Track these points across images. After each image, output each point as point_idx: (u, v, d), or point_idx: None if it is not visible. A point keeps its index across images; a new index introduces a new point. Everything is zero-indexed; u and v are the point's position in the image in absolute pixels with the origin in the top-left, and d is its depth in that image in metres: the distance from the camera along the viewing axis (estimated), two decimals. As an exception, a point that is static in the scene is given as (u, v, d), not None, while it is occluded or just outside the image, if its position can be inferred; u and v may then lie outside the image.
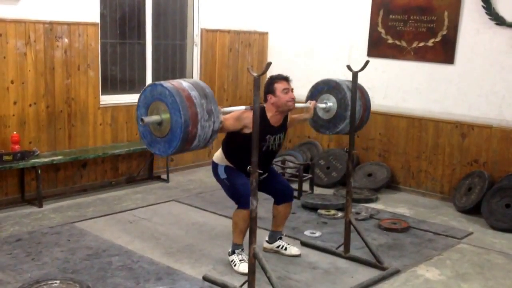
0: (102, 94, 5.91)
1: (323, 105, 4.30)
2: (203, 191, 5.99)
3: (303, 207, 5.50)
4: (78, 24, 5.55)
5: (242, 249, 4.05)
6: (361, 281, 3.89)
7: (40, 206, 5.25)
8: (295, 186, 5.62)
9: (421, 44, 6.07)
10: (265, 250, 4.35)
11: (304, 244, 4.55)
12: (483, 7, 5.59)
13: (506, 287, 3.95)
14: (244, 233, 3.95)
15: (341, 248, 4.33)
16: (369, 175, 6.31)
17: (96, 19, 5.72)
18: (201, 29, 6.74)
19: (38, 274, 3.83)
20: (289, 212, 4.30)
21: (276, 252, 4.34)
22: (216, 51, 6.90)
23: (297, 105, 4.03)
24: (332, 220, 5.19)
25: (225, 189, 4.12)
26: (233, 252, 4.07)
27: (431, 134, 6.06)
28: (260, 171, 3.40)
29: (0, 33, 5.02)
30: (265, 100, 3.97)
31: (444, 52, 5.92)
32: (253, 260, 3.47)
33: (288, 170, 6.29)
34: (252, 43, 7.27)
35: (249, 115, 3.61)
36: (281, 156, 6.45)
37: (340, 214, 5.25)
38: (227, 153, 4.02)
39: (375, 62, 5.93)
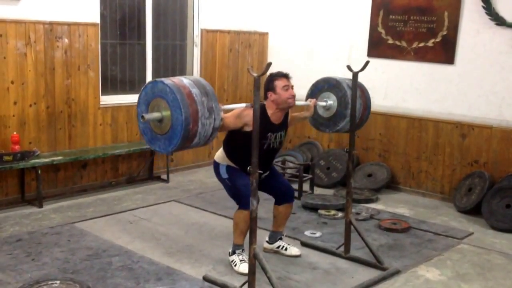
0: (102, 94, 5.91)
1: (323, 103, 4.30)
2: (203, 192, 5.98)
3: (303, 208, 5.50)
4: (78, 24, 5.55)
5: (243, 250, 4.05)
6: (361, 282, 3.88)
7: (40, 206, 5.25)
8: (295, 186, 5.61)
9: (421, 45, 6.07)
10: (265, 250, 4.35)
11: (304, 244, 4.55)
12: (483, 7, 5.59)
13: (507, 288, 3.96)
14: (245, 234, 3.95)
15: (341, 249, 4.33)
16: (369, 175, 6.31)
17: (96, 19, 5.72)
18: (201, 30, 6.74)
19: (38, 274, 3.83)
20: (290, 212, 4.30)
21: (276, 252, 4.34)
22: (216, 52, 6.90)
23: (297, 102, 4.03)
24: (332, 221, 5.19)
25: (226, 188, 4.12)
26: (233, 252, 4.07)
27: (431, 134, 6.06)
28: (260, 171, 3.40)
29: (0, 34, 5.03)
30: (265, 97, 3.97)
31: (444, 52, 5.92)
32: (253, 261, 3.47)
33: (288, 171, 6.29)
34: (252, 44, 7.27)
35: (250, 112, 3.60)
36: (281, 157, 6.45)
37: (340, 214, 5.25)
38: (228, 152, 4.02)
39: (375, 62, 5.93)
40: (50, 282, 3.64)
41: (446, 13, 5.87)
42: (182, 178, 6.51)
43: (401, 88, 6.29)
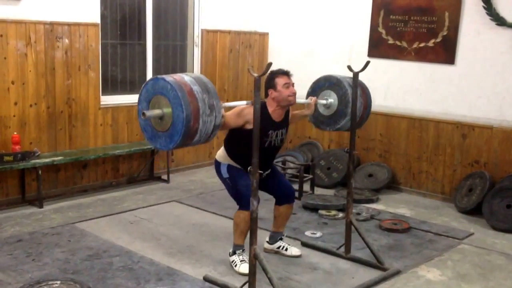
0: (102, 94, 5.91)
1: (324, 101, 4.30)
2: (204, 192, 5.98)
3: (303, 208, 5.50)
4: (78, 24, 5.55)
5: (243, 250, 4.05)
6: (362, 282, 3.88)
7: (41, 206, 5.25)
8: (295, 186, 5.60)
9: (422, 45, 6.07)
10: (266, 250, 4.35)
11: (304, 244, 4.54)
12: (484, 7, 5.58)
13: (507, 288, 3.96)
14: (245, 234, 3.94)
15: (342, 249, 4.33)
16: (370, 175, 6.31)
17: (97, 19, 5.72)
18: (202, 30, 6.74)
19: (39, 274, 3.82)
20: (291, 213, 4.29)
21: (277, 252, 4.34)
22: (216, 52, 6.90)
23: (298, 100, 4.03)
24: (333, 221, 5.19)
25: (227, 188, 4.12)
26: (234, 253, 4.07)
27: (432, 134, 6.06)
28: (260, 171, 3.40)
29: (0, 34, 5.02)
30: (266, 95, 3.96)
31: (445, 52, 5.92)
32: (253, 261, 3.46)
33: (289, 171, 6.29)
34: (253, 44, 7.27)
35: (251, 110, 3.59)
36: (281, 157, 6.45)
37: (341, 214, 5.25)
38: (229, 150, 4.02)
39: (375, 62, 5.91)
40: (50, 283, 3.64)
41: (446, 13, 5.87)
42: (182, 178, 6.51)
43: (401, 88, 6.29)
